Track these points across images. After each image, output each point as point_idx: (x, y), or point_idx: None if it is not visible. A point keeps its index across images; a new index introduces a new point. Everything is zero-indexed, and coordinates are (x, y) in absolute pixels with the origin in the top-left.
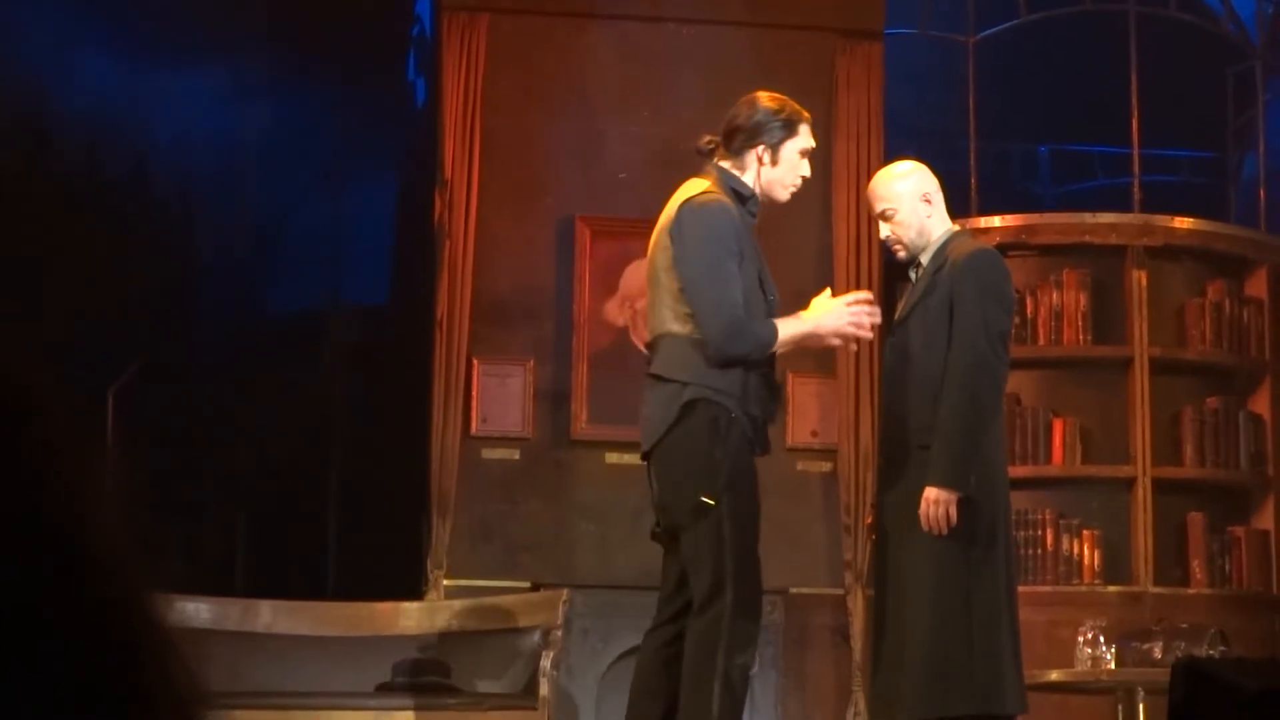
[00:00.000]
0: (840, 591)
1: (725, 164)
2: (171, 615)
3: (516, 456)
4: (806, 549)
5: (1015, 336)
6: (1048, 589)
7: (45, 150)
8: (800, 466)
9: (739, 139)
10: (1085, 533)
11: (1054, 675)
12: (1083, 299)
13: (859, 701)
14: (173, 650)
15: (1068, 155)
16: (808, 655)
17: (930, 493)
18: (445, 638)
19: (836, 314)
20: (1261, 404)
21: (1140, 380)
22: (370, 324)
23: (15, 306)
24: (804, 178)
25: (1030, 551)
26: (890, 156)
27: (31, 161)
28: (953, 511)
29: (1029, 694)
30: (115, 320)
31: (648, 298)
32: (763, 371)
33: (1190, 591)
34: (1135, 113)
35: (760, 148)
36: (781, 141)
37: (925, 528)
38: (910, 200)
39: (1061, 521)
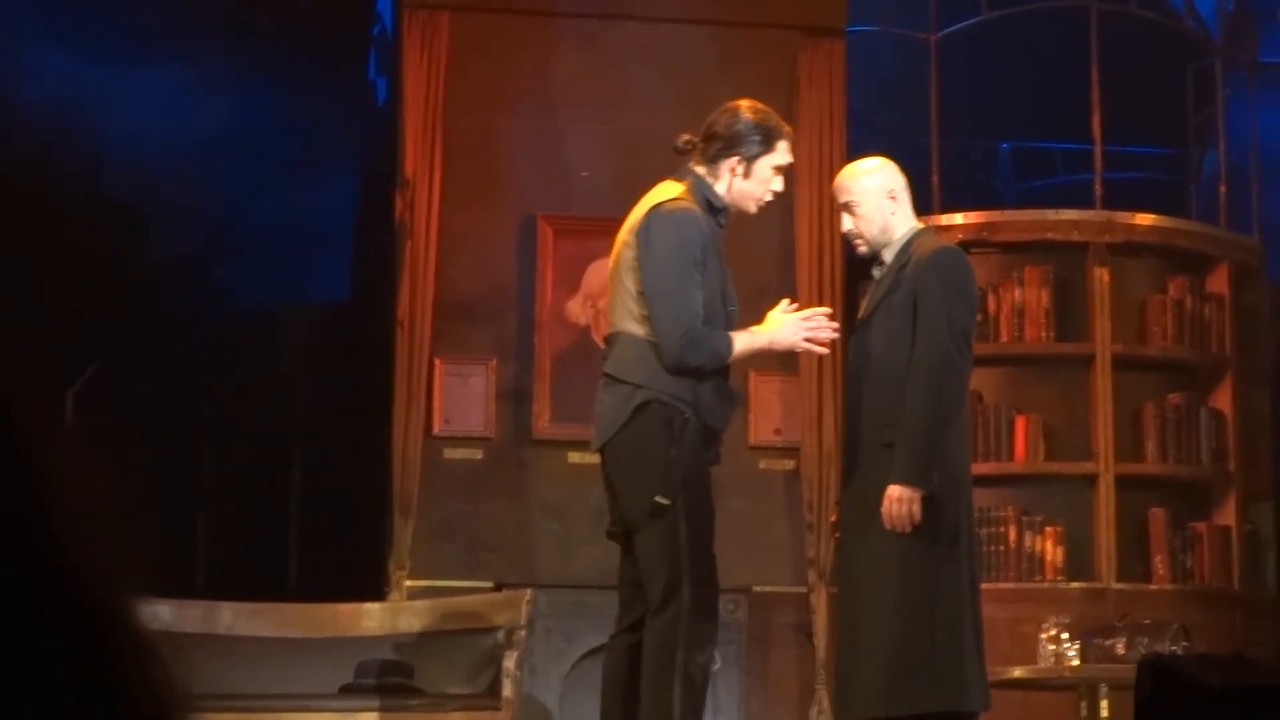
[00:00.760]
0: (804, 589)
1: (700, 170)
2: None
3: (479, 456)
4: (769, 547)
5: (977, 334)
6: (1011, 586)
7: (1, 148)
8: (763, 464)
9: (716, 146)
10: (1048, 529)
11: (1017, 672)
12: (1045, 296)
13: (823, 699)
14: (153, 653)
15: (1029, 152)
16: (771, 653)
17: (893, 490)
18: (408, 638)
19: (792, 328)
20: (1223, 400)
21: (1102, 377)
22: (331, 323)
23: None
24: (776, 192)
25: (993, 548)
26: (852, 154)
27: None
28: (916, 509)
29: (992, 691)
30: (74, 320)
31: (609, 295)
32: (717, 380)
33: (1153, 587)
34: (1096, 109)
35: (735, 159)
36: (758, 156)
37: (888, 525)
38: (875, 196)
39: (1024, 518)
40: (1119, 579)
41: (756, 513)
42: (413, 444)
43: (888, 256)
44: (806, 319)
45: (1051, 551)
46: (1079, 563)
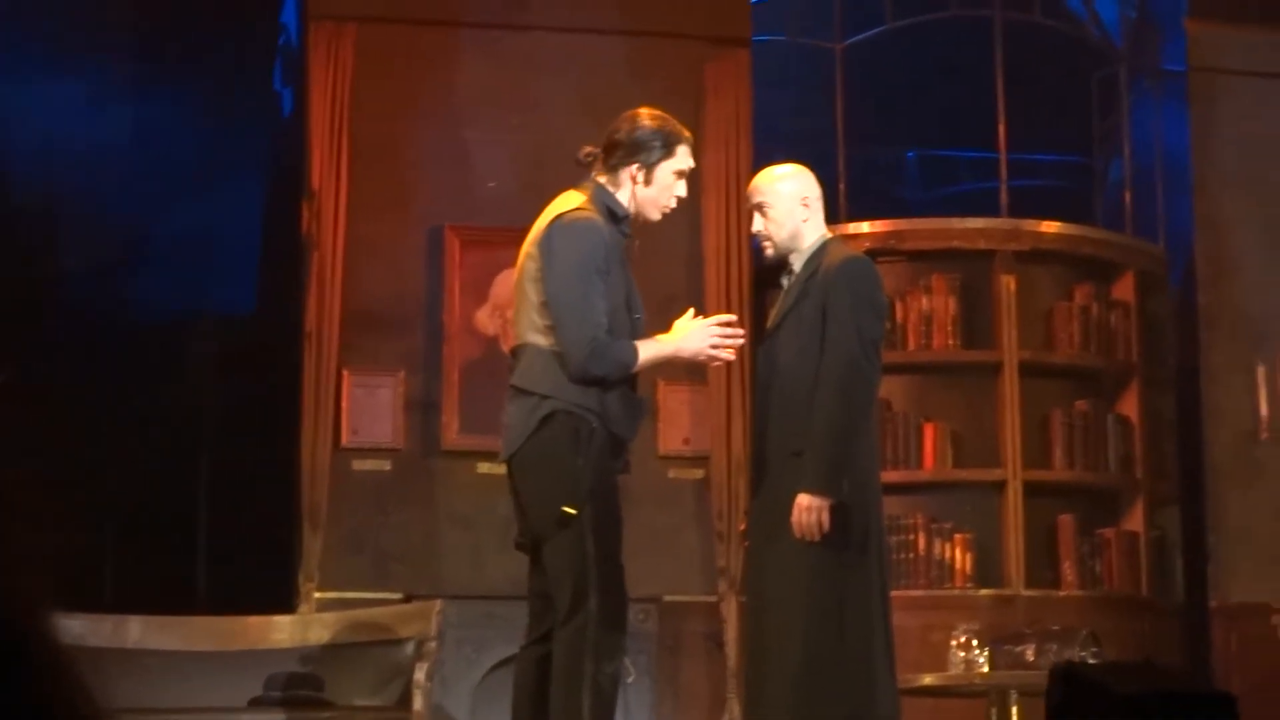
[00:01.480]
0: (714, 598)
1: (602, 179)
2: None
3: (387, 467)
4: (679, 556)
5: (885, 342)
6: (920, 593)
7: None
8: (672, 474)
9: (617, 154)
10: (957, 536)
11: (927, 679)
12: (952, 304)
13: (734, 708)
14: (73, 669)
15: (935, 160)
16: (682, 663)
17: (803, 499)
18: (318, 651)
19: (699, 336)
20: (1129, 406)
21: (1010, 384)
22: (237, 334)
23: None
24: (679, 198)
25: (902, 556)
26: (759, 163)
27: None
28: (825, 518)
29: (902, 698)
30: None
31: (514, 307)
32: (623, 389)
33: (1061, 594)
34: (1002, 117)
35: (635, 166)
36: (658, 162)
37: (798, 534)
38: (788, 201)
39: (933, 525)
40: (1028, 586)
41: (666, 522)
42: (321, 456)
43: (796, 265)
44: (712, 326)
45: (960, 559)
46: (988, 570)
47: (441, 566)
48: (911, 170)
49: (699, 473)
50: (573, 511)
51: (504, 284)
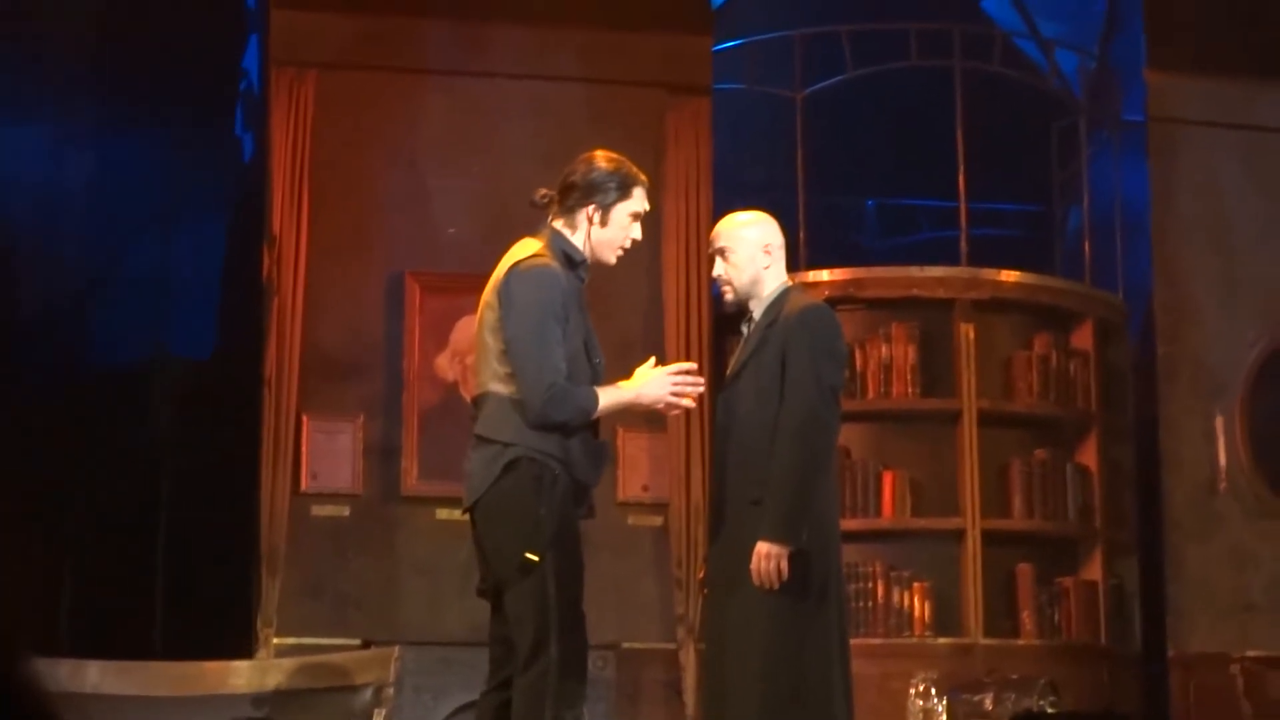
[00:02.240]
0: (672, 646)
1: (558, 224)
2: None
3: (346, 513)
4: (638, 604)
5: (845, 390)
6: (879, 641)
7: None
8: (631, 521)
9: (573, 196)
10: (916, 585)
11: None
12: (911, 352)
13: None
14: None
15: (895, 209)
16: (640, 710)
17: (762, 547)
18: (276, 697)
19: (658, 384)
20: (1088, 456)
21: (969, 433)
22: (196, 378)
23: None
24: (634, 240)
25: (861, 604)
26: (719, 211)
27: None
28: (784, 565)
29: None
30: None
31: (475, 356)
32: (585, 435)
33: (1020, 642)
34: (961, 167)
35: (591, 207)
36: (614, 203)
37: (757, 582)
38: (750, 247)
39: (892, 574)
40: (987, 634)
41: (625, 569)
42: (280, 501)
43: (756, 312)
44: (673, 374)
45: (919, 607)
46: (947, 618)
47: (400, 612)
48: (871, 219)
49: (658, 520)
50: (535, 559)
51: (464, 330)
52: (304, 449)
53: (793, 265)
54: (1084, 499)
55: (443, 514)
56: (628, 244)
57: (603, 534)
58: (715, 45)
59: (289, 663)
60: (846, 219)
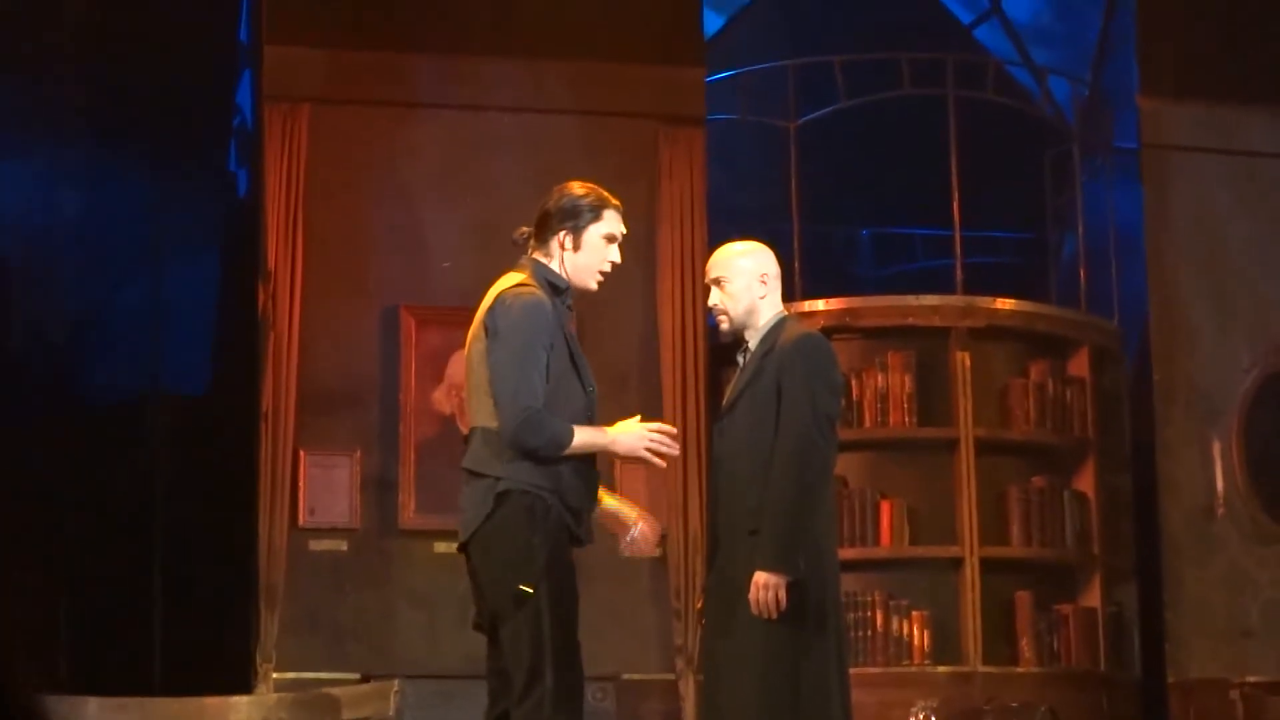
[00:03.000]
0: (671, 676)
1: (537, 255)
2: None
3: (344, 547)
4: (636, 634)
5: (841, 419)
6: (878, 670)
7: None
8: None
9: (548, 226)
10: (914, 613)
11: None
12: (907, 381)
13: None
14: None
15: (889, 238)
16: None
17: (759, 577)
18: None
19: (636, 435)
20: (1085, 482)
21: (966, 461)
22: (191, 414)
23: None
24: (614, 263)
25: (860, 633)
26: (713, 241)
27: None
28: (782, 595)
29: None
30: None
31: (467, 391)
32: (577, 463)
33: (1019, 670)
34: (956, 195)
35: (563, 233)
36: (585, 226)
37: (755, 612)
38: (746, 277)
39: (891, 602)
40: (986, 662)
41: (623, 599)
42: (278, 535)
43: (752, 342)
44: (652, 430)
45: (918, 635)
46: (946, 646)
47: (399, 646)
48: (866, 248)
49: (656, 550)
50: (529, 590)
51: (459, 363)
52: (301, 484)
53: (788, 295)
54: (1082, 525)
55: (440, 547)
56: (606, 267)
57: (601, 564)
58: (708, 76)
59: (288, 697)
60: (841, 248)
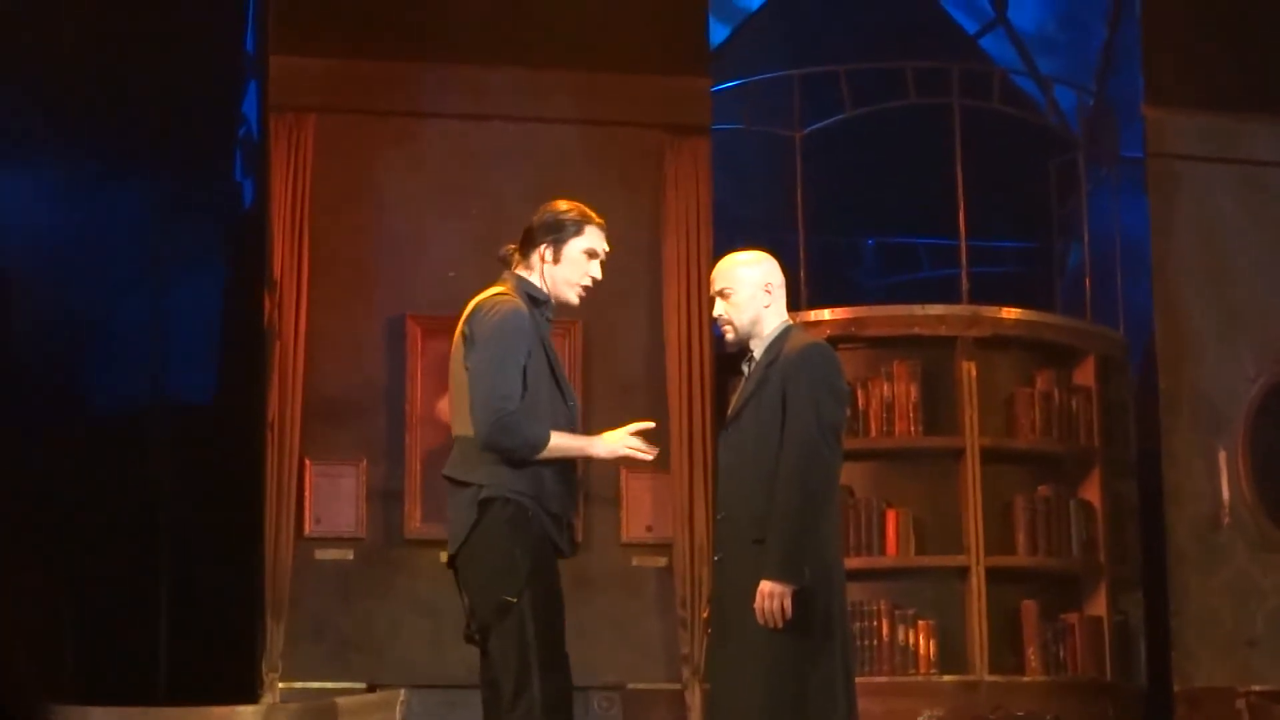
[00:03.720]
0: (678, 686)
1: (520, 270)
2: None
3: (350, 557)
4: (643, 644)
5: (847, 429)
6: (884, 679)
7: None
8: (635, 561)
9: (530, 241)
10: (920, 623)
11: None
12: (913, 390)
13: None
14: None
15: (895, 248)
16: None
17: (765, 586)
18: None
19: (615, 438)
20: (1091, 491)
21: (972, 470)
22: (196, 423)
23: None
24: (595, 279)
25: (866, 642)
26: (719, 250)
27: None
28: (788, 604)
29: None
30: None
31: (451, 401)
32: (558, 469)
33: (1025, 679)
34: (961, 204)
35: (544, 246)
36: (566, 239)
37: (761, 621)
38: (751, 287)
39: (896, 612)
40: (992, 671)
41: (630, 609)
42: (284, 545)
43: (757, 352)
44: (631, 433)
45: (924, 644)
46: (952, 655)
47: (404, 655)
48: (871, 257)
49: (662, 560)
50: (512, 600)
51: None
52: (307, 493)
53: (793, 304)
54: (1087, 534)
55: (446, 556)
56: (587, 281)
57: (607, 574)
58: (714, 86)
59: (294, 707)
60: (847, 258)
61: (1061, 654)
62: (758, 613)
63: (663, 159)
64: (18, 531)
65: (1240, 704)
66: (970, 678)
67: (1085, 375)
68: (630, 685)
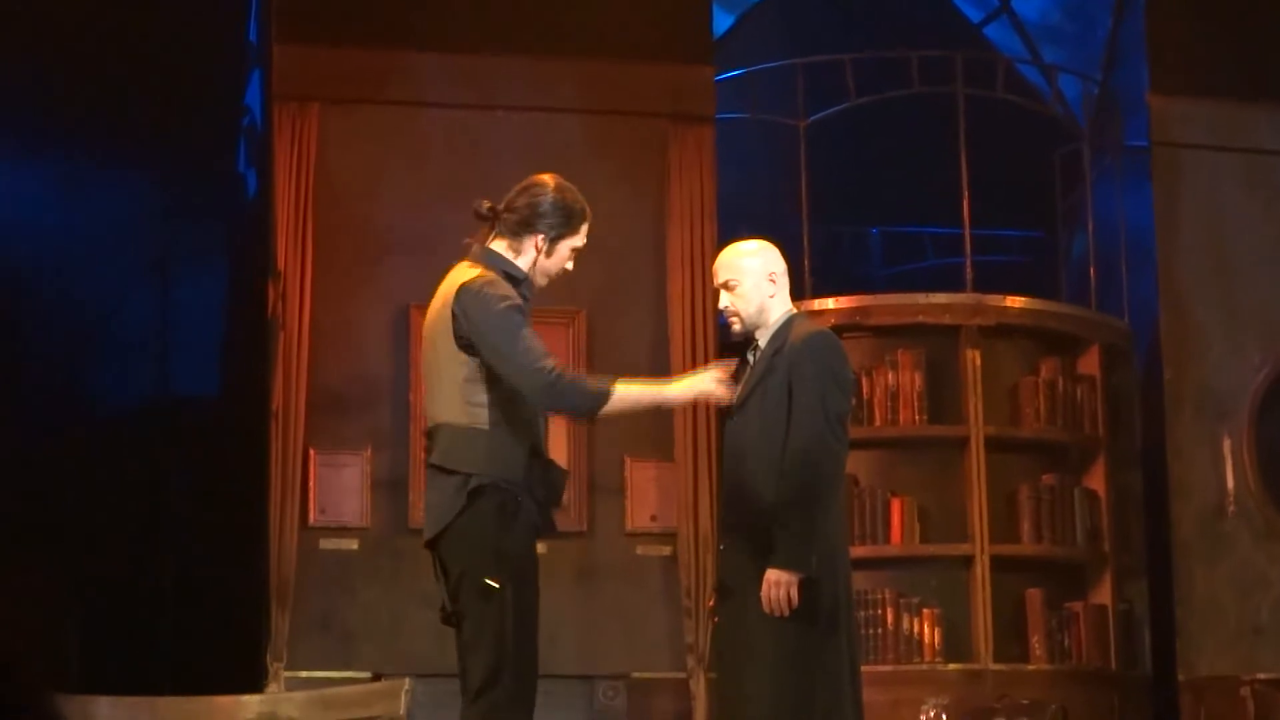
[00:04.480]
0: (682, 675)
1: (499, 245)
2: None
3: (355, 546)
4: (647, 633)
5: (851, 417)
6: (889, 668)
7: None
8: (640, 550)
9: (523, 219)
10: (925, 611)
11: None
12: (918, 379)
13: None
14: None
15: (898, 236)
16: None
17: (771, 575)
18: None
19: (698, 378)
20: (1096, 480)
21: (976, 459)
22: (202, 414)
23: None
24: (567, 270)
25: (871, 631)
26: (723, 240)
27: None
28: (794, 593)
29: None
30: None
31: (424, 387)
32: (546, 460)
33: (1030, 668)
34: (965, 193)
35: (540, 236)
36: (562, 236)
37: (767, 610)
38: (754, 277)
39: (901, 600)
40: (996, 660)
41: (634, 598)
42: (288, 535)
43: (762, 341)
44: (712, 370)
45: (929, 633)
46: (956, 644)
47: (409, 645)
48: (876, 246)
49: (667, 549)
50: (495, 585)
51: None
52: (312, 483)
53: (798, 293)
54: (1092, 523)
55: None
56: (562, 273)
57: (611, 563)
58: (718, 75)
59: (299, 696)
60: (851, 247)
61: (1066, 643)
62: (764, 601)
63: (666, 148)
64: (24, 523)
65: (1245, 692)
66: (975, 666)
67: (1090, 364)
68: (635, 674)
